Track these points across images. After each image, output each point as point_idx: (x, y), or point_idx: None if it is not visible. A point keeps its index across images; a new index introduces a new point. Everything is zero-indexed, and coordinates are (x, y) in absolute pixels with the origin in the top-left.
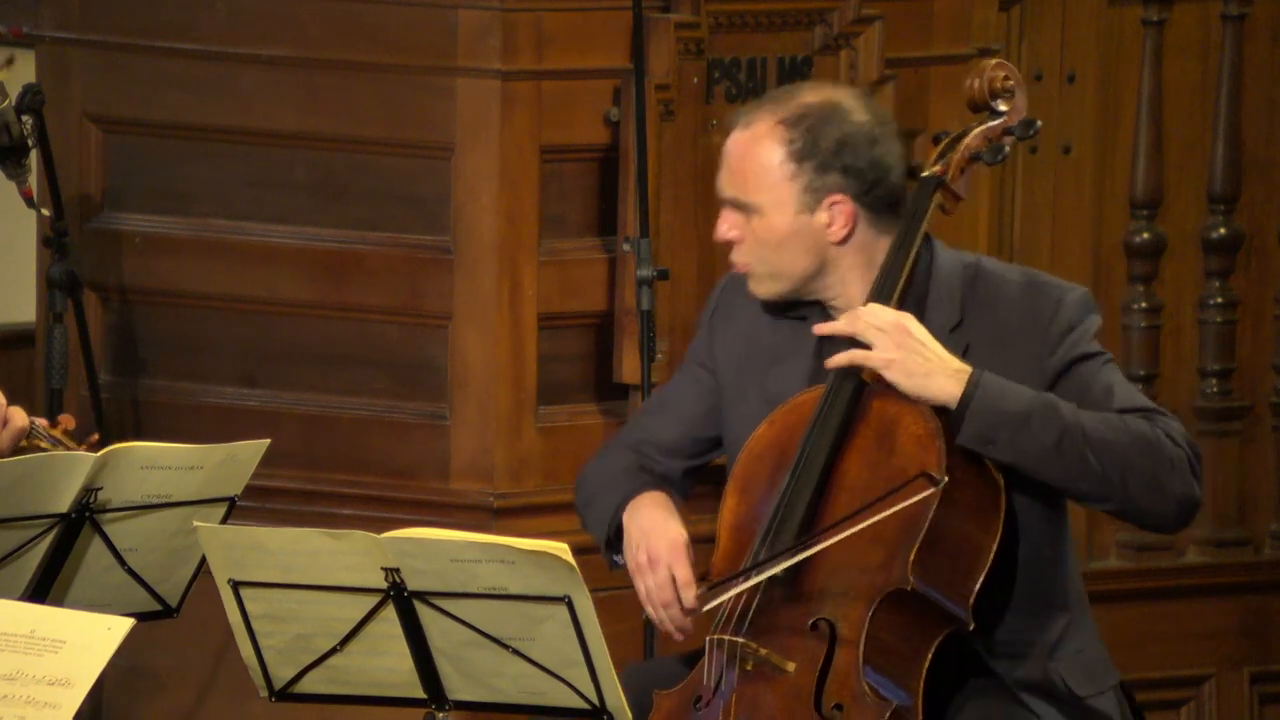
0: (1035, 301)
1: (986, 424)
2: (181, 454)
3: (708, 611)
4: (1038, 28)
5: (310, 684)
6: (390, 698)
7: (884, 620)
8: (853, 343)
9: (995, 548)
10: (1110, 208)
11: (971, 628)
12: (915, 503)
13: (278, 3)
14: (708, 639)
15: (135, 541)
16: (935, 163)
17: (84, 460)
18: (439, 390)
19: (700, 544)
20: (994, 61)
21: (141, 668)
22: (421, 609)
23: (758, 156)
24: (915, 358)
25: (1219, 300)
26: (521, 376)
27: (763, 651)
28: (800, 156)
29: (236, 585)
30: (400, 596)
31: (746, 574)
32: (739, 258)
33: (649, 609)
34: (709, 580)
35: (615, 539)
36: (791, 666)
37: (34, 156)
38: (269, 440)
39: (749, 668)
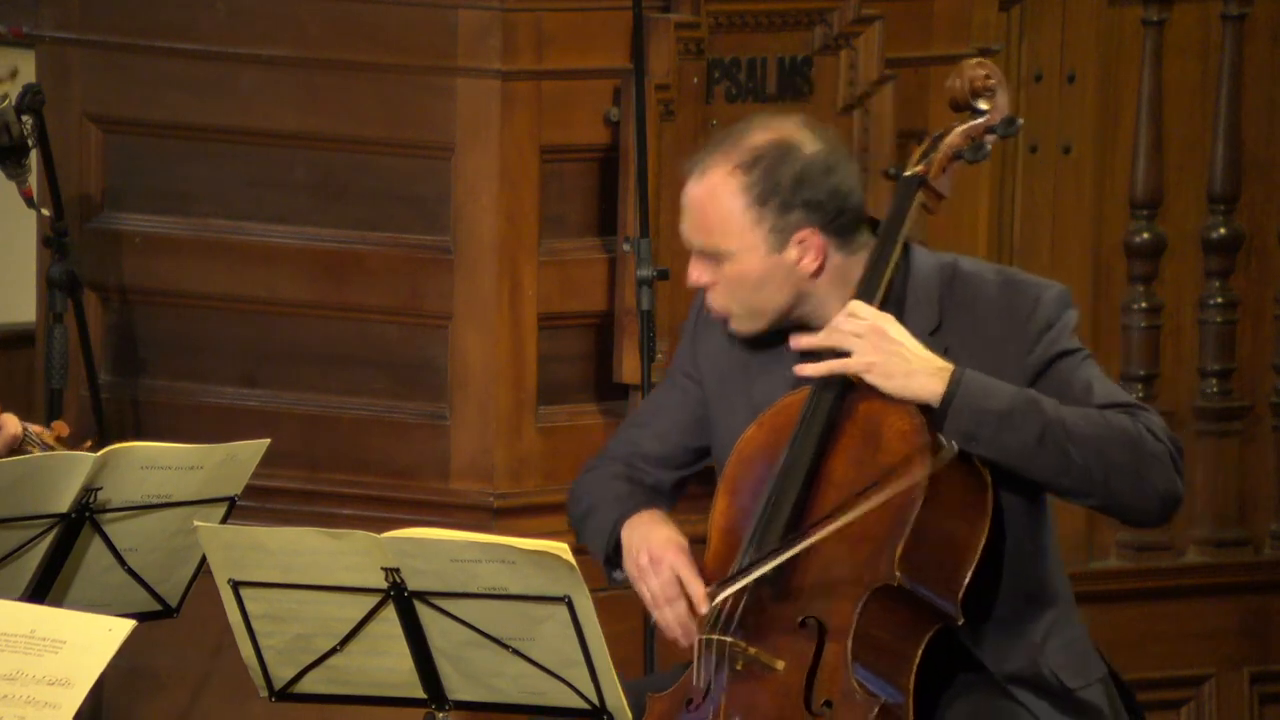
0: (1013, 300)
1: (969, 421)
2: (181, 454)
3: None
4: (1038, 28)
5: (310, 684)
6: (390, 698)
7: (872, 617)
8: (833, 351)
9: (983, 543)
10: (1110, 208)
11: (961, 622)
12: (905, 489)
13: (278, 3)
14: (697, 639)
15: (135, 541)
16: (918, 162)
17: (84, 460)
18: (439, 390)
19: (695, 544)
20: (974, 60)
21: (141, 668)
22: (421, 609)
23: (719, 206)
24: (895, 360)
25: (1219, 300)
26: (521, 376)
27: (752, 650)
28: (761, 200)
29: (236, 585)
30: (400, 596)
31: (746, 571)
32: (715, 302)
33: (655, 612)
34: (705, 578)
35: (614, 554)
36: (781, 665)
37: (34, 156)
38: (269, 440)
39: (739, 667)
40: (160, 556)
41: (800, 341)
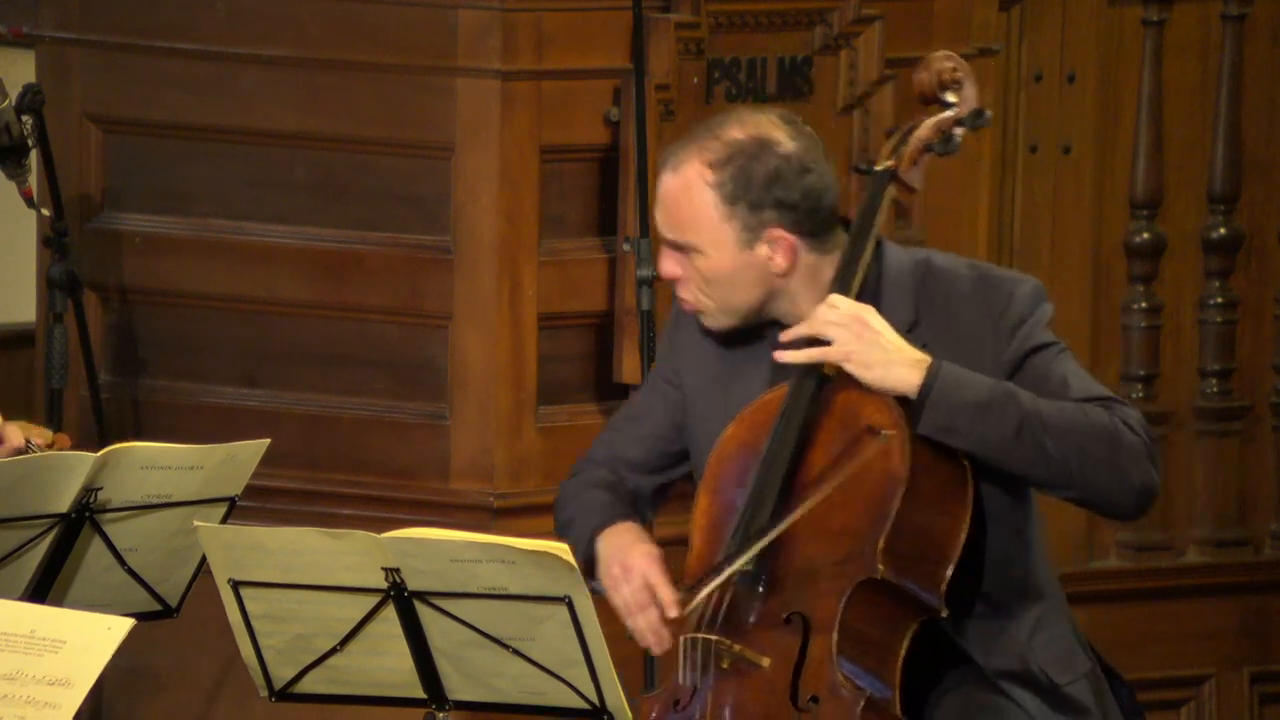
0: (987, 296)
1: (946, 413)
2: (181, 454)
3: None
4: (1038, 28)
5: (310, 684)
6: (390, 698)
7: (857, 611)
8: (811, 342)
9: (965, 534)
10: (1110, 208)
11: (945, 615)
12: (869, 457)
13: (278, 3)
14: (681, 639)
15: (135, 541)
16: (888, 157)
17: (84, 460)
18: (439, 390)
19: (678, 546)
20: (941, 54)
21: (141, 668)
22: (421, 609)
23: (690, 201)
24: (874, 349)
25: (1219, 300)
26: (521, 376)
27: (737, 648)
28: (733, 198)
29: (236, 585)
30: (400, 596)
31: (718, 569)
32: (685, 295)
33: (628, 620)
34: (683, 584)
35: (590, 566)
36: (766, 662)
37: (34, 156)
38: (269, 440)
39: (725, 665)
40: (160, 556)
41: (786, 336)
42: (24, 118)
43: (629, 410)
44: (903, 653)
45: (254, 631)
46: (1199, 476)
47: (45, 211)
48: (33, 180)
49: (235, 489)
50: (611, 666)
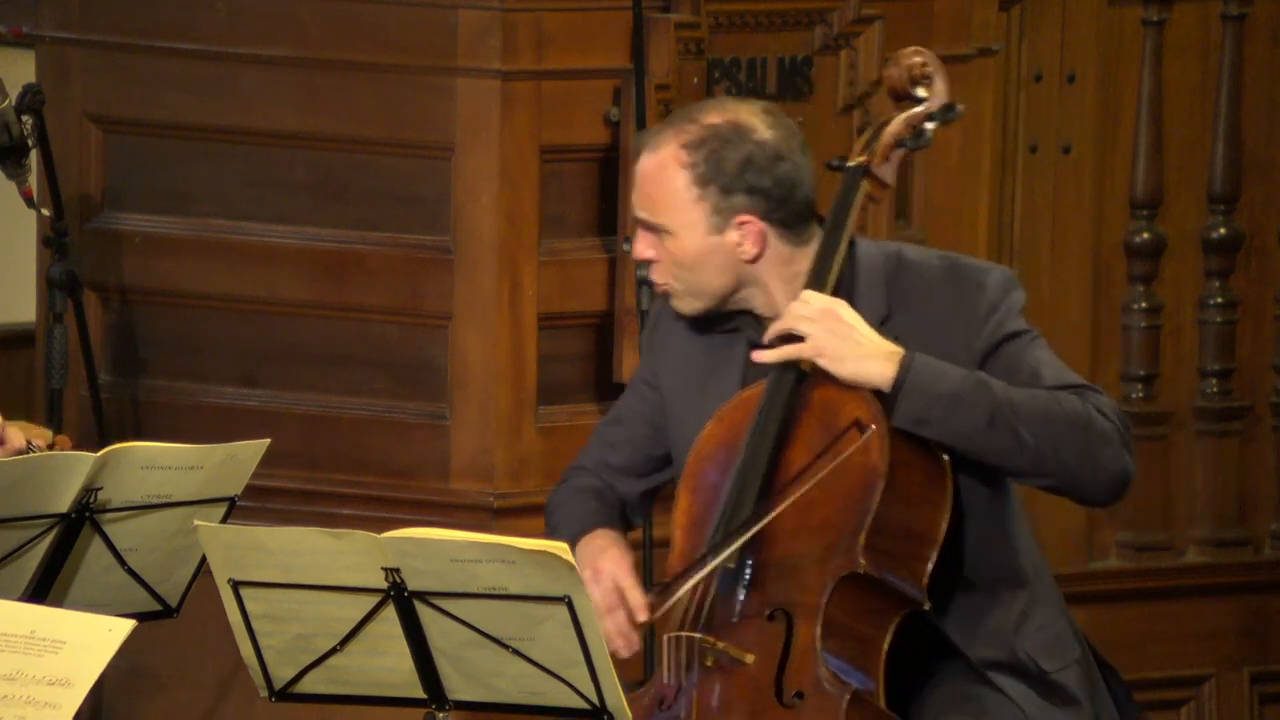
0: (957, 286)
1: (920, 405)
2: (181, 454)
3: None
4: (1038, 28)
5: (310, 684)
6: (390, 698)
7: (840, 605)
8: (786, 338)
9: (946, 526)
10: (1110, 208)
11: (927, 607)
12: (852, 452)
13: (278, 3)
14: (665, 637)
15: (135, 541)
16: (861, 152)
17: (84, 460)
18: (439, 390)
19: (662, 549)
20: (911, 49)
21: (141, 668)
22: (422, 609)
23: (663, 181)
24: (847, 344)
25: (1219, 300)
26: (521, 376)
27: (720, 645)
28: (704, 181)
29: (236, 585)
30: (400, 596)
31: (693, 569)
32: (657, 277)
33: (600, 623)
34: (658, 585)
35: None
36: (750, 658)
37: (34, 156)
38: (269, 440)
39: (709, 663)
40: (160, 556)
41: (769, 334)
42: (24, 118)
43: (613, 414)
44: (886, 645)
45: (254, 631)
46: (1199, 476)
47: (45, 211)
48: (33, 180)
49: (235, 489)
50: (611, 666)
